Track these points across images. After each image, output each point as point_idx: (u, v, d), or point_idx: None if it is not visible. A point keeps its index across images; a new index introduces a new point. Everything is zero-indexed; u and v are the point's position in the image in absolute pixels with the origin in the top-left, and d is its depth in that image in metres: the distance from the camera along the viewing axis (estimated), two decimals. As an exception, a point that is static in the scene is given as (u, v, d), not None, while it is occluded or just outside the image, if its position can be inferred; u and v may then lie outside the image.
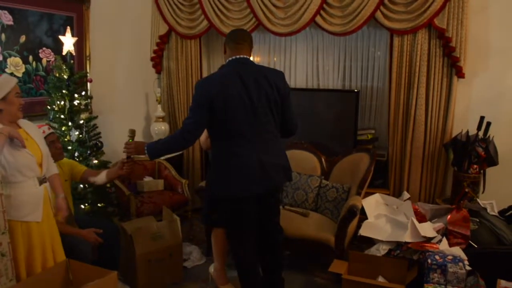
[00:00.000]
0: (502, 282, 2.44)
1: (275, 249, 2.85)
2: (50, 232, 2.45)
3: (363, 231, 3.18)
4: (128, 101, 4.39)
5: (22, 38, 3.32)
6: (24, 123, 2.44)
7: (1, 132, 2.16)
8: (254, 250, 2.74)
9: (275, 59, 4.75)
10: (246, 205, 2.61)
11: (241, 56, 2.56)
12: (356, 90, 4.07)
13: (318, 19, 3.90)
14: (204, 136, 2.92)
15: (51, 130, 2.92)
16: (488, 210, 3.18)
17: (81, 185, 3.36)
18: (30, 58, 3.40)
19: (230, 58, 2.56)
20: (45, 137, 2.78)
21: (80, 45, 3.74)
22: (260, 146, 2.55)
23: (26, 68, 3.37)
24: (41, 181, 2.41)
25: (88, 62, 3.87)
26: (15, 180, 2.27)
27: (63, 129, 3.29)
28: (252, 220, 2.67)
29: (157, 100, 4.52)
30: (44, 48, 3.50)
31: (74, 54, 3.45)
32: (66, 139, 3.29)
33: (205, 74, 4.74)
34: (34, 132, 2.49)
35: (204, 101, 2.43)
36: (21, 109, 2.34)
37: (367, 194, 3.51)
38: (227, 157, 2.54)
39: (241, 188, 2.54)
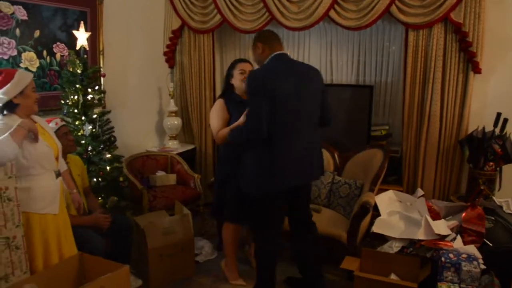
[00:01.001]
0: (518, 282, 2.41)
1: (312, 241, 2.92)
2: (64, 225, 2.49)
3: (375, 228, 3.15)
4: (141, 95, 4.41)
5: (36, 33, 3.35)
6: (37, 118, 2.48)
7: (22, 126, 2.20)
8: (279, 244, 2.80)
9: (288, 53, 4.69)
10: (280, 199, 2.71)
11: (282, 52, 2.64)
12: (370, 85, 4.03)
13: (332, 13, 3.86)
14: (222, 131, 2.93)
15: (63, 123, 2.96)
16: (504, 209, 3.13)
17: (94, 179, 3.39)
18: (44, 52, 3.43)
19: (274, 54, 2.61)
20: (57, 129, 2.84)
21: (93, 40, 3.77)
22: (304, 141, 2.62)
23: (40, 62, 3.40)
24: (57, 174, 2.46)
25: (101, 56, 3.90)
26: (35, 172, 2.30)
27: (76, 123, 3.32)
28: (283, 214, 2.79)
29: (170, 94, 4.53)
30: (58, 43, 3.53)
31: (87, 48, 3.47)
32: (79, 134, 3.32)
33: (218, 69, 4.74)
34: (48, 127, 2.55)
35: (265, 93, 2.44)
36: (36, 103, 2.38)
37: (380, 191, 3.48)
38: (275, 152, 2.53)
39: (283, 182, 2.60)
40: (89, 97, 3.38)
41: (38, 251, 2.34)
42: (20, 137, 2.18)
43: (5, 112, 2.28)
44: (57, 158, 2.46)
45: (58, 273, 2.32)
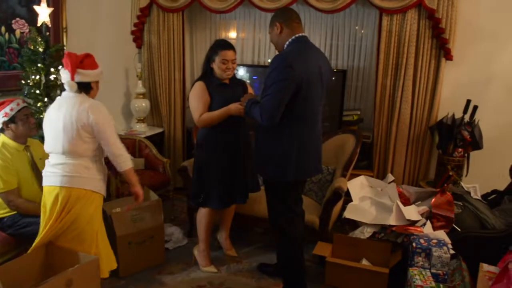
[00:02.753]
0: (485, 266, 2.47)
1: None
2: None
3: (347, 214, 3.19)
4: (107, 76, 4.14)
5: (-7, 8, 3.15)
6: None
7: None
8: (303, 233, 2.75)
9: (260, 35, 4.65)
10: (301, 184, 2.74)
11: (303, 34, 2.51)
12: (342, 70, 4.02)
13: (306, -5, 3.81)
14: (205, 115, 2.86)
15: (25, 104, 2.82)
16: (472, 194, 3.22)
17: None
18: (3, 29, 3.22)
19: (294, 36, 2.48)
20: (18, 111, 2.71)
21: (56, 16, 3.56)
22: (319, 131, 2.60)
23: (-2, 39, 3.21)
24: None
25: (65, 34, 3.70)
26: (102, 155, 2.51)
27: (38, 105, 3.15)
28: (300, 197, 2.78)
29: (137, 75, 4.39)
30: (17, 19, 3.32)
31: (49, 25, 3.28)
32: (41, 116, 3.15)
33: (187, 50, 4.61)
34: None
35: (292, 81, 2.32)
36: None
37: (352, 176, 3.51)
38: (300, 140, 2.48)
39: (312, 169, 2.61)
40: (52, 77, 3.21)
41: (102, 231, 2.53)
42: None
43: (81, 92, 2.42)
44: None
45: (22, 266, 2.23)
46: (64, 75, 2.40)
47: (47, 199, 2.41)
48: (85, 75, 2.39)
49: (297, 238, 2.68)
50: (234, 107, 2.78)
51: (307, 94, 2.40)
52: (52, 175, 2.40)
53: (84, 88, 2.42)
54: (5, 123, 2.71)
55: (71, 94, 2.40)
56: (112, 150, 2.41)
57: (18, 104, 2.74)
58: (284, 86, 2.33)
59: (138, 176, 2.62)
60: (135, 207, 3.03)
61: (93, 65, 2.45)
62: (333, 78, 3.85)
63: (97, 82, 2.50)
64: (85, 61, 2.41)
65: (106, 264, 2.49)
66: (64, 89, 2.47)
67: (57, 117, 2.37)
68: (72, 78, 2.35)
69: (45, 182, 2.44)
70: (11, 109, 2.71)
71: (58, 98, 2.50)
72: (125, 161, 2.46)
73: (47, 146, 2.46)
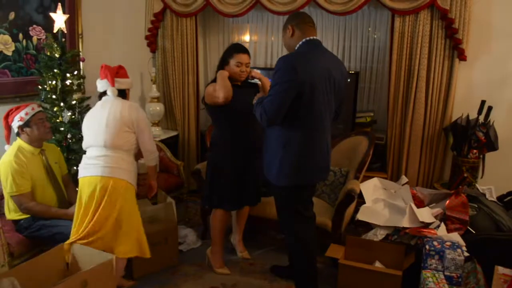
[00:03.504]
0: (500, 269, 2.43)
1: None
2: None
3: (360, 216, 3.17)
4: None
5: (11, 15, 3.22)
6: None
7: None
8: (315, 236, 2.75)
9: (272, 38, 4.67)
10: (311, 191, 2.73)
11: (315, 37, 2.50)
12: (355, 72, 4.01)
13: (318, -3, 3.81)
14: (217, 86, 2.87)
15: (40, 108, 2.89)
16: (487, 196, 3.17)
17: (74, 167, 3.30)
18: (20, 36, 3.30)
19: (305, 39, 2.47)
20: (33, 115, 2.79)
21: (72, 23, 3.64)
22: (327, 134, 2.58)
23: (16, 46, 3.28)
24: None
25: (80, 40, 3.78)
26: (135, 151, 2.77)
27: (55, 109, 3.22)
28: (310, 201, 2.76)
29: (151, 80, 4.44)
30: (34, 26, 3.40)
31: (65, 32, 3.35)
32: (58, 120, 3.22)
33: (201, 53, 4.65)
34: None
35: (293, 85, 2.32)
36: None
37: (365, 178, 3.48)
38: (306, 144, 2.47)
39: (315, 175, 2.59)
40: (68, 82, 3.27)
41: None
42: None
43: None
44: None
45: (40, 266, 2.27)
46: (101, 84, 2.75)
47: (84, 190, 2.57)
48: (121, 83, 2.75)
49: (307, 241, 2.67)
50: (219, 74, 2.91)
51: (311, 98, 2.37)
52: (92, 166, 2.59)
53: (121, 94, 2.76)
54: (21, 127, 2.78)
55: (113, 98, 2.71)
56: (147, 145, 2.71)
57: (33, 109, 2.81)
58: (286, 88, 2.32)
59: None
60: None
61: (126, 75, 2.83)
62: (348, 80, 3.86)
63: (129, 90, 2.84)
64: (120, 72, 2.77)
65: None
66: (100, 98, 2.79)
67: (101, 115, 2.65)
68: (113, 85, 2.70)
69: (83, 173, 2.61)
70: (26, 114, 2.78)
71: (99, 101, 2.78)
72: (155, 158, 2.79)
73: (87, 141, 2.70)
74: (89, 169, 2.59)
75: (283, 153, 2.48)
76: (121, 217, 2.59)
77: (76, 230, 2.53)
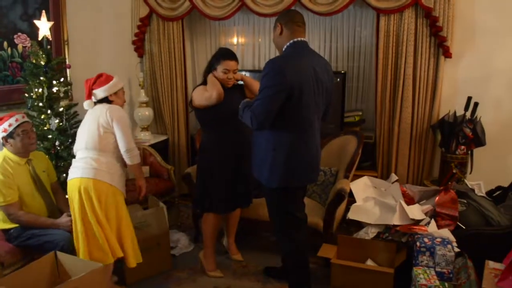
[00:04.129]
0: (490, 263, 2.46)
1: None
2: None
3: (351, 215, 3.18)
4: None
5: (-5, 23, 3.19)
6: None
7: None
8: (306, 237, 2.76)
9: (259, 40, 4.67)
10: (302, 193, 2.75)
11: (302, 39, 2.49)
12: (342, 71, 4.03)
13: (303, -2, 3.82)
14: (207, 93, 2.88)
15: (25, 119, 2.83)
16: (476, 191, 3.19)
17: (64, 174, 3.28)
18: (5, 44, 3.27)
19: (292, 40, 2.47)
20: (16, 126, 2.74)
21: (57, 30, 3.62)
22: (316, 135, 2.58)
23: (1, 54, 3.25)
24: None
25: (66, 47, 3.75)
26: (120, 156, 2.75)
27: (42, 117, 3.19)
28: (302, 202, 2.76)
29: (140, 84, 4.42)
30: (19, 34, 3.37)
31: (50, 39, 3.33)
32: (46, 128, 3.19)
33: (188, 57, 4.64)
34: None
35: (281, 89, 2.31)
36: (124, 104, 2.91)
37: (355, 177, 3.50)
38: (296, 145, 2.47)
39: (307, 176, 2.59)
40: (54, 89, 3.24)
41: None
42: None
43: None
44: None
45: (30, 275, 2.25)
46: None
47: (72, 194, 2.63)
48: (98, 93, 2.76)
49: (299, 242, 2.67)
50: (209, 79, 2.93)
51: (300, 100, 2.37)
52: (74, 169, 2.65)
53: (105, 101, 2.77)
54: (4, 138, 2.75)
55: (98, 105, 2.77)
56: (124, 143, 2.67)
57: (16, 120, 2.75)
58: (274, 92, 2.32)
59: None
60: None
61: (105, 81, 2.77)
62: (338, 80, 3.88)
63: (115, 93, 2.80)
64: (97, 82, 2.77)
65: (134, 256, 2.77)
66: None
67: (86, 120, 2.75)
68: (87, 98, 2.78)
69: (69, 177, 2.69)
70: (10, 125, 2.73)
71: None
72: (136, 156, 2.73)
73: (75, 146, 2.78)
74: (72, 173, 2.68)
75: (273, 156, 2.48)
76: (117, 221, 2.67)
77: (80, 238, 2.59)
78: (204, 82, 3.00)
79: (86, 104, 2.79)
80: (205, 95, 2.88)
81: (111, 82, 2.77)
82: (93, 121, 2.68)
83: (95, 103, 2.79)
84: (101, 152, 2.65)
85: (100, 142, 2.65)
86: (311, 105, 2.45)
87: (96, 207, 2.58)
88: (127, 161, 2.72)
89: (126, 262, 2.74)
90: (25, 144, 2.76)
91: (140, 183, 2.91)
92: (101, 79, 2.78)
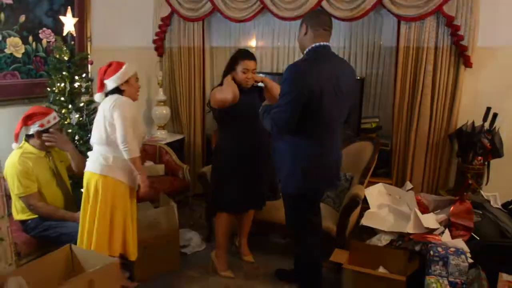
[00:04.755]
0: (504, 276, 2.44)
1: None
2: None
3: (365, 221, 3.17)
4: None
5: (22, 18, 3.26)
6: None
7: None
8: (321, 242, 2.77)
9: (279, 43, 4.68)
10: (317, 197, 2.72)
11: (326, 43, 2.46)
12: (360, 78, 4.02)
13: (324, 3, 3.83)
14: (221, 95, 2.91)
15: (59, 118, 2.95)
16: (492, 203, 3.17)
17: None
18: (30, 38, 3.35)
19: (315, 45, 2.43)
20: (54, 124, 2.86)
21: (81, 26, 3.68)
22: (337, 141, 2.58)
23: (25, 48, 3.32)
24: None
25: (89, 43, 3.82)
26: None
27: (63, 111, 3.25)
28: (318, 208, 2.77)
29: (158, 83, 4.47)
30: (44, 29, 3.44)
31: (74, 35, 3.40)
32: (66, 122, 3.25)
33: (207, 58, 4.68)
34: None
35: (302, 94, 2.31)
36: (138, 92, 2.78)
37: (370, 184, 3.49)
38: (316, 152, 2.47)
39: (326, 182, 2.59)
40: (76, 84, 3.31)
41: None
42: None
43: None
44: None
45: (46, 266, 2.28)
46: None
47: (85, 185, 2.66)
48: (109, 84, 2.66)
49: (313, 247, 2.68)
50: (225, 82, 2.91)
51: (320, 106, 2.36)
52: (87, 162, 2.70)
53: (116, 91, 2.66)
54: (38, 133, 2.81)
55: (109, 96, 2.68)
56: (119, 137, 2.55)
57: (55, 118, 2.88)
58: (294, 98, 2.32)
59: (144, 167, 2.84)
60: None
61: (114, 70, 2.65)
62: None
63: (127, 81, 2.67)
64: (107, 71, 2.67)
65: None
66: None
67: (98, 114, 2.69)
68: (99, 90, 2.70)
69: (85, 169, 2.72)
70: (48, 122, 2.83)
71: None
72: (130, 149, 2.57)
73: (90, 140, 2.76)
74: (86, 164, 2.71)
75: (292, 161, 2.48)
76: (123, 216, 2.67)
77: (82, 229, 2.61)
78: (221, 84, 3.02)
79: (97, 97, 2.73)
80: (220, 96, 2.91)
81: (120, 70, 2.66)
82: (100, 116, 2.64)
83: (107, 94, 2.69)
84: (109, 147, 2.62)
85: (107, 137, 2.61)
86: (332, 111, 2.43)
87: (101, 202, 2.58)
88: (124, 155, 2.59)
89: (127, 256, 2.74)
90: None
91: (140, 179, 2.72)
92: (111, 68, 2.68)
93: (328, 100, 2.38)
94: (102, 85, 2.68)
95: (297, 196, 2.56)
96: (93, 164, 2.63)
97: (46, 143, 2.83)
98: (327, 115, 2.42)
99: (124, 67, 2.67)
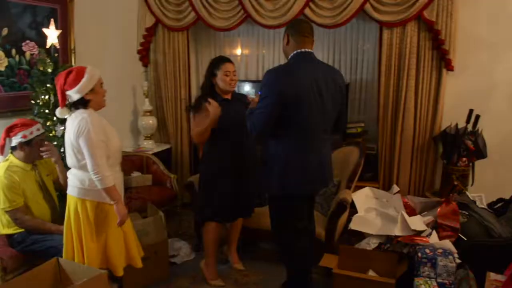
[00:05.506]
0: (492, 275, 2.46)
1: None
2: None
3: (353, 225, 3.18)
4: (114, 94, 4.23)
5: (4, 31, 3.24)
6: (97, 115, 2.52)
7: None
8: (308, 249, 2.76)
9: (263, 51, 4.72)
10: (303, 203, 2.68)
11: (307, 50, 2.51)
12: (346, 83, 4.05)
13: (307, 11, 3.87)
14: (199, 129, 2.89)
15: (43, 130, 2.90)
16: (477, 203, 3.19)
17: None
18: (13, 51, 3.31)
19: (296, 51, 2.50)
20: (37, 135, 2.78)
21: (64, 38, 3.66)
22: (321, 145, 2.58)
23: (8, 61, 3.29)
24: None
25: (73, 55, 3.79)
26: (111, 163, 2.45)
27: (48, 124, 3.21)
28: (305, 218, 2.74)
29: (144, 93, 4.46)
30: (27, 41, 3.41)
31: (58, 47, 3.38)
32: (51, 135, 3.22)
33: (193, 67, 4.69)
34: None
35: (278, 96, 2.37)
36: (105, 98, 2.54)
37: (357, 188, 3.50)
38: (293, 154, 2.50)
39: (305, 186, 2.57)
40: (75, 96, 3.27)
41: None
42: None
43: (79, 108, 2.42)
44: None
45: (33, 280, 2.24)
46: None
47: (67, 206, 2.56)
48: (72, 96, 2.41)
49: (300, 254, 2.68)
50: (212, 109, 2.84)
51: (297, 110, 2.41)
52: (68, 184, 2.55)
53: (81, 104, 2.42)
54: (21, 145, 2.76)
55: (74, 112, 2.44)
56: (89, 166, 2.36)
57: (38, 130, 2.81)
58: (270, 103, 2.39)
59: (119, 195, 2.50)
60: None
61: (76, 80, 2.38)
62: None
63: (92, 90, 2.42)
64: (67, 81, 2.39)
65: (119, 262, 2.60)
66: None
67: (65, 135, 2.50)
68: (61, 105, 2.44)
69: None
70: (31, 133, 2.76)
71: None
72: (102, 179, 2.35)
73: None
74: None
75: (272, 163, 2.54)
76: (105, 235, 2.54)
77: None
78: (204, 94, 3.01)
79: (58, 112, 2.48)
80: (198, 129, 2.93)
81: (83, 80, 2.38)
82: (67, 139, 2.43)
83: (71, 107, 2.45)
84: (83, 171, 2.42)
85: (78, 162, 2.42)
86: (312, 114, 2.46)
87: (83, 223, 2.46)
88: (97, 184, 2.37)
89: (113, 272, 2.60)
90: (36, 152, 2.78)
91: (116, 209, 2.46)
92: (71, 76, 2.39)
93: (307, 104, 2.42)
94: (63, 98, 2.42)
95: (278, 198, 2.59)
96: (71, 187, 2.50)
97: (45, 155, 2.76)
98: (306, 119, 2.45)
99: (86, 75, 2.39)
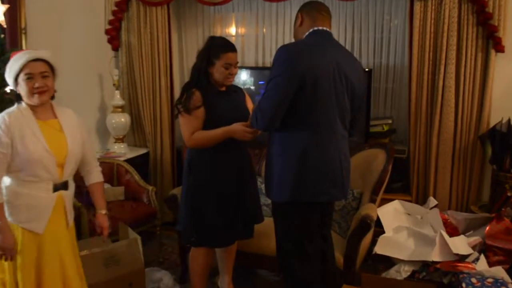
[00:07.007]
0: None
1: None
2: (56, 251, 2.46)
3: (379, 249, 3.19)
4: (77, 86, 4.30)
5: None
6: (62, 111, 2.54)
7: None
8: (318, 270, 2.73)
9: (264, 30, 4.71)
10: (316, 213, 2.65)
11: (326, 28, 2.56)
12: (368, 69, 4.04)
13: (320, -22, 3.86)
14: (203, 136, 2.87)
15: None
16: (537, 220, 3.19)
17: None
18: (-52, 32, 3.31)
19: (313, 29, 2.54)
20: None
21: (13, 15, 3.64)
22: (340, 144, 2.57)
23: None
24: (58, 187, 2.45)
25: (24, 36, 3.77)
26: (25, 178, 2.36)
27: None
28: (318, 232, 2.72)
29: (114, 84, 4.45)
30: (-34, 19, 3.41)
31: (5, 26, 3.36)
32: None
33: (175, 51, 4.67)
34: (72, 125, 2.54)
35: (292, 76, 2.37)
36: (34, 94, 2.38)
37: (384, 201, 3.50)
38: (311, 148, 2.48)
39: (326, 189, 2.55)
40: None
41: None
42: None
43: (19, 101, 2.42)
44: (62, 166, 2.46)
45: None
46: None
47: None
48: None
49: (305, 281, 2.65)
50: (240, 130, 2.76)
51: (314, 95, 2.40)
52: None
53: (17, 97, 2.46)
54: None
55: None
56: None
57: None
58: (282, 82, 2.37)
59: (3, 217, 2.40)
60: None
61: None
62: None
63: (15, 81, 2.40)
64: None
65: None
66: None
67: None
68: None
69: None
70: None
71: None
72: None
73: None
74: None
75: (283, 159, 2.51)
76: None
77: None
78: (195, 83, 2.97)
79: None
80: (182, 121, 2.92)
81: (6, 70, 2.42)
82: None
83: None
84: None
85: None
86: (331, 104, 2.46)
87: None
88: None
89: None
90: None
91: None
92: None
93: (325, 90, 2.43)
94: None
95: (287, 206, 2.57)
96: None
97: None
98: (325, 107, 2.45)
99: (9, 62, 2.40)
